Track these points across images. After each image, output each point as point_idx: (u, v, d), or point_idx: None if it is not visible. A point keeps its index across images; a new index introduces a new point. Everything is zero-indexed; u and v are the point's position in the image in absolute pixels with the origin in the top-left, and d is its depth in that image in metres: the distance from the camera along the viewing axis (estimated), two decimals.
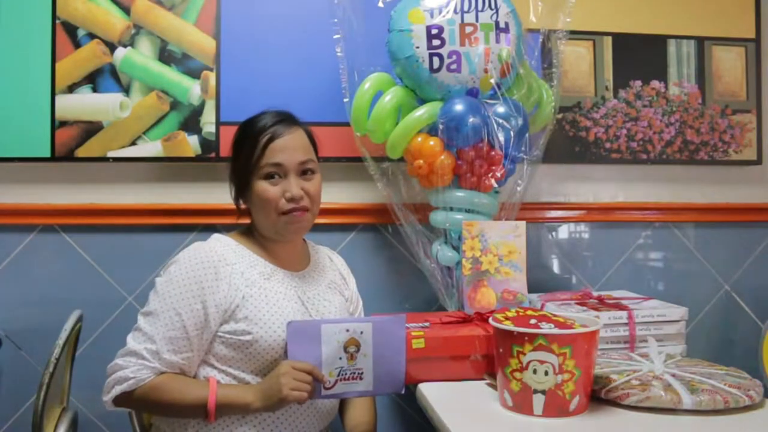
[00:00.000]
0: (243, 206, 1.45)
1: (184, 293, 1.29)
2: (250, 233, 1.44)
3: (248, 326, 1.30)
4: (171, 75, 1.86)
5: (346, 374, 1.29)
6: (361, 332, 1.29)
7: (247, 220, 1.46)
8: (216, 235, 1.42)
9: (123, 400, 1.27)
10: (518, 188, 1.78)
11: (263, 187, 1.37)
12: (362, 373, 1.30)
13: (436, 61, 1.65)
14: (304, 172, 1.40)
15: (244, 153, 1.39)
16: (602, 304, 1.59)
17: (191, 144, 1.86)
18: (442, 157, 1.68)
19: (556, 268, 2.08)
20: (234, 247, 1.39)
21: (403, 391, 1.35)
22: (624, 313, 1.49)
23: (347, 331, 1.29)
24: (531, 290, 1.68)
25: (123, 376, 1.25)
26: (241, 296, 1.32)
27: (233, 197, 1.45)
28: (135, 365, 1.26)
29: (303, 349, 1.27)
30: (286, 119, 1.42)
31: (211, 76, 1.87)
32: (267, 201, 1.36)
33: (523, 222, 1.68)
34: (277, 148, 1.37)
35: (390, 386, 1.33)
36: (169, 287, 1.30)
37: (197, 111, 1.86)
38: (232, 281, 1.32)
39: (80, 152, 1.83)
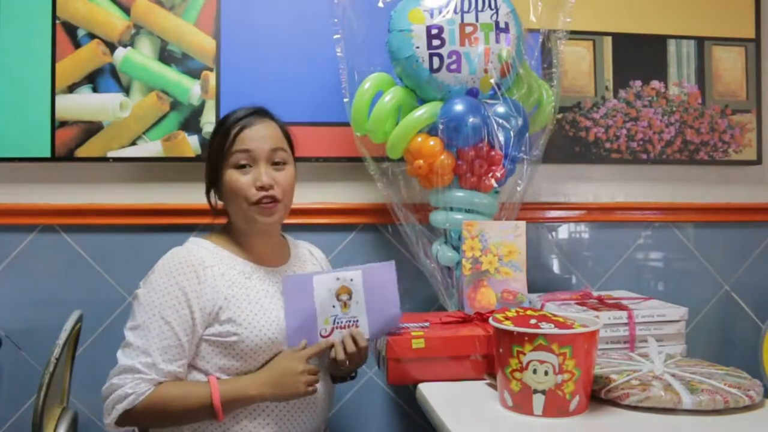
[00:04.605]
0: (218, 204, 1.44)
1: (169, 300, 1.28)
2: (227, 232, 1.44)
3: (233, 327, 1.29)
4: (171, 75, 1.86)
5: (341, 322, 1.35)
6: (351, 280, 1.35)
7: (223, 220, 1.46)
8: (192, 239, 1.41)
9: (126, 419, 1.24)
10: (518, 188, 1.78)
11: (234, 176, 1.37)
12: (357, 321, 1.36)
13: (436, 61, 1.65)
14: (276, 163, 1.39)
15: (216, 144, 1.39)
16: (602, 304, 1.59)
17: (191, 144, 1.86)
18: (442, 157, 1.68)
19: (556, 268, 2.08)
20: (212, 249, 1.38)
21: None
22: (624, 313, 1.49)
23: (337, 279, 1.36)
24: (531, 290, 1.68)
25: (122, 394, 1.23)
26: (223, 298, 1.31)
27: (206, 191, 1.44)
28: (132, 380, 1.23)
29: (297, 302, 1.34)
30: (259, 112, 1.43)
31: (211, 76, 1.87)
32: (237, 190, 1.36)
33: (523, 222, 1.68)
34: (247, 137, 1.37)
35: (387, 330, 1.39)
36: (153, 297, 1.28)
37: (197, 111, 1.86)
38: (214, 283, 1.31)
39: (80, 152, 1.83)
